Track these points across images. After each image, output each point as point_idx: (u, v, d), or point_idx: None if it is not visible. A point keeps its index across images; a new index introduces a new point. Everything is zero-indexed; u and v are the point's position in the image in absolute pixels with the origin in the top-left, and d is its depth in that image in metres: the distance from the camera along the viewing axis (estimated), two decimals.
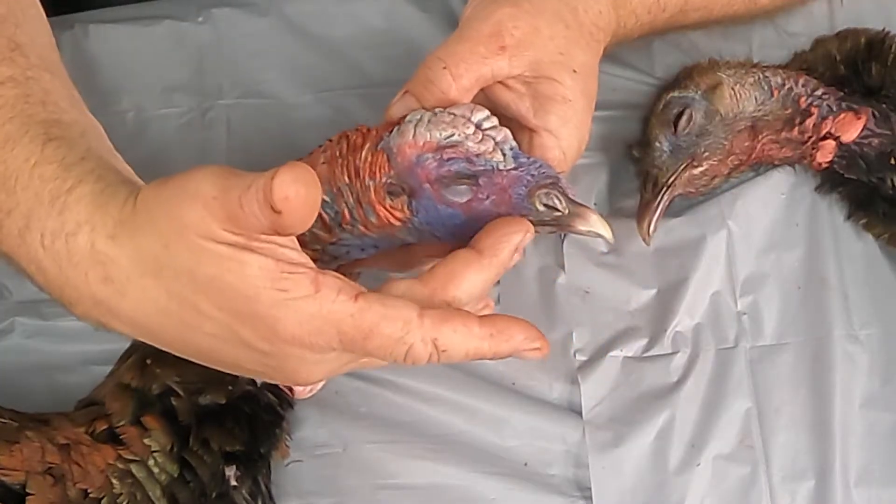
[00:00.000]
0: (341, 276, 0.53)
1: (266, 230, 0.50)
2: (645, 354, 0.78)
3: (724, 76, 0.78)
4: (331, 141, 0.62)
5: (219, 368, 0.58)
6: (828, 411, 0.75)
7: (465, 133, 0.59)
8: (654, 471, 0.75)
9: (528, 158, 0.60)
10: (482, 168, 0.59)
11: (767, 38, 0.85)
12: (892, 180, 0.77)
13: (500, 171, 0.59)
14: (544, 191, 0.58)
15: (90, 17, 0.86)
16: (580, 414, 0.76)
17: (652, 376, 0.77)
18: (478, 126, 0.59)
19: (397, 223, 0.61)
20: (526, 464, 0.76)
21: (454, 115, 0.60)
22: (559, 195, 0.58)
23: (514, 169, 0.59)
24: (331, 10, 0.86)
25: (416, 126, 0.59)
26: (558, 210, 0.58)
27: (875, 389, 0.76)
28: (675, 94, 0.78)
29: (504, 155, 0.59)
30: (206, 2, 0.86)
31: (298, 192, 0.48)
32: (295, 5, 0.86)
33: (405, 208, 0.60)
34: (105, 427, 0.64)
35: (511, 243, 0.57)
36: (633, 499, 0.74)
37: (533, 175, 0.59)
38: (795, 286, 0.79)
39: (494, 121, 0.60)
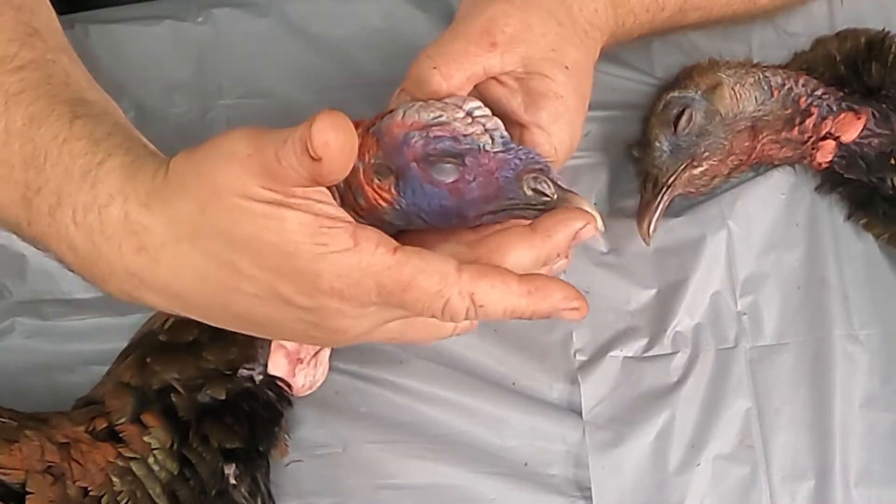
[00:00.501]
0: (380, 231, 0.53)
1: (304, 182, 0.50)
2: (645, 354, 0.78)
3: (724, 76, 0.78)
4: None
5: (258, 334, 0.58)
6: (828, 411, 0.75)
7: (454, 116, 0.59)
8: (654, 471, 0.75)
9: (518, 145, 0.59)
10: (468, 147, 0.58)
11: (767, 39, 0.85)
12: (892, 180, 0.77)
13: (488, 152, 0.58)
14: (533, 175, 0.58)
15: (90, 17, 0.86)
16: (580, 414, 0.76)
17: (652, 376, 0.77)
18: (468, 113, 0.59)
19: (385, 204, 0.60)
20: (526, 464, 0.75)
21: (446, 102, 0.60)
22: (548, 181, 0.58)
23: (503, 151, 0.58)
24: (331, 10, 0.86)
25: (406, 108, 0.59)
26: (547, 195, 0.58)
27: (875, 389, 0.76)
28: (675, 94, 0.78)
29: (493, 139, 0.59)
30: (206, 2, 0.86)
31: (338, 137, 0.48)
32: (295, 5, 0.86)
33: (392, 189, 0.60)
34: (105, 425, 0.64)
35: (569, 227, 0.57)
36: (633, 499, 0.74)
37: (521, 159, 0.58)
38: (795, 286, 0.79)
39: (486, 111, 0.60)
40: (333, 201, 0.53)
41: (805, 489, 0.74)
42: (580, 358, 0.78)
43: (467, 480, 0.75)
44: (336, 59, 0.85)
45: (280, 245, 0.52)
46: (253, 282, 0.53)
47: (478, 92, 0.66)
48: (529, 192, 0.58)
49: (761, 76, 0.78)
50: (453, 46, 0.65)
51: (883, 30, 0.79)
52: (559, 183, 0.58)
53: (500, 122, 0.60)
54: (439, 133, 0.58)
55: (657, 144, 0.77)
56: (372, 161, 0.60)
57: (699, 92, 0.78)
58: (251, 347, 0.67)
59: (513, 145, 0.59)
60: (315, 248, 0.51)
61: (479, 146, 0.58)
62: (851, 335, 0.77)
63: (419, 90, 0.64)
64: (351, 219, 0.53)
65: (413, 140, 0.58)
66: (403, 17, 0.86)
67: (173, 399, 0.66)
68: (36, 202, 0.57)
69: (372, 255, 0.52)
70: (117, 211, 0.55)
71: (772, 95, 0.78)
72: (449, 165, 0.58)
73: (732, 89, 0.77)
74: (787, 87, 0.78)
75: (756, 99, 0.78)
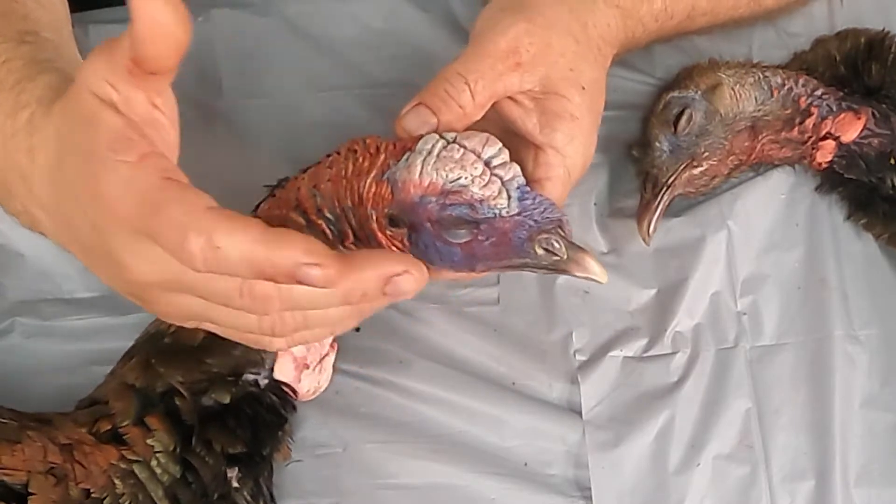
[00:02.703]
0: (174, 165, 0.53)
1: (128, 64, 0.50)
2: (645, 354, 0.78)
3: (724, 76, 0.78)
4: (338, 153, 0.62)
5: (88, 262, 0.59)
6: (828, 411, 0.76)
7: (471, 175, 0.58)
8: (654, 471, 0.75)
9: (534, 199, 0.59)
10: (484, 216, 0.58)
11: (767, 39, 0.85)
12: (892, 180, 0.77)
13: (503, 217, 0.59)
14: (545, 236, 0.58)
15: (90, 17, 0.85)
16: (580, 414, 0.76)
17: (652, 376, 0.77)
18: (487, 163, 0.59)
19: (397, 251, 0.61)
20: (526, 464, 0.76)
21: (465, 149, 0.59)
22: (559, 240, 0.58)
23: (517, 214, 0.59)
24: (331, 10, 0.86)
25: (423, 161, 0.59)
26: (557, 255, 0.59)
27: (875, 389, 0.76)
28: (675, 94, 0.78)
29: (509, 197, 0.59)
30: (206, 2, 0.86)
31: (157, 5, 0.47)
32: (295, 5, 0.86)
33: (405, 240, 0.60)
34: (108, 427, 0.64)
35: (379, 269, 0.52)
36: (632, 499, 0.74)
37: (536, 221, 0.59)
38: (795, 286, 0.79)
39: (505, 156, 0.60)
40: (163, 126, 0.53)
41: (805, 489, 0.74)
42: (580, 358, 0.78)
43: (467, 480, 0.75)
44: (336, 59, 0.85)
45: (88, 144, 0.52)
46: (73, 187, 0.53)
47: (493, 110, 0.66)
48: (541, 252, 0.59)
49: (761, 76, 0.78)
50: (481, 64, 0.64)
51: (883, 30, 0.80)
52: (570, 239, 0.59)
53: (517, 169, 0.60)
54: (455, 201, 0.58)
55: (657, 144, 0.77)
56: (386, 211, 0.60)
57: (699, 92, 0.78)
58: (255, 352, 0.67)
59: (528, 201, 0.59)
60: (106, 151, 0.51)
61: (495, 213, 0.59)
62: (851, 335, 0.77)
63: (445, 105, 0.63)
64: (156, 140, 0.52)
65: (429, 204, 0.59)
66: (404, 19, 0.86)
67: (177, 402, 0.65)
68: None
69: (147, 174, 0.51)
70: (27, 113, 0.57)
71: (772, 95, 0.78)
72: (463, 231, 0.59)
73: (732, 89, 0.78)
74: (787, 87, 0.78)
75: (756, 99, 0.78)
